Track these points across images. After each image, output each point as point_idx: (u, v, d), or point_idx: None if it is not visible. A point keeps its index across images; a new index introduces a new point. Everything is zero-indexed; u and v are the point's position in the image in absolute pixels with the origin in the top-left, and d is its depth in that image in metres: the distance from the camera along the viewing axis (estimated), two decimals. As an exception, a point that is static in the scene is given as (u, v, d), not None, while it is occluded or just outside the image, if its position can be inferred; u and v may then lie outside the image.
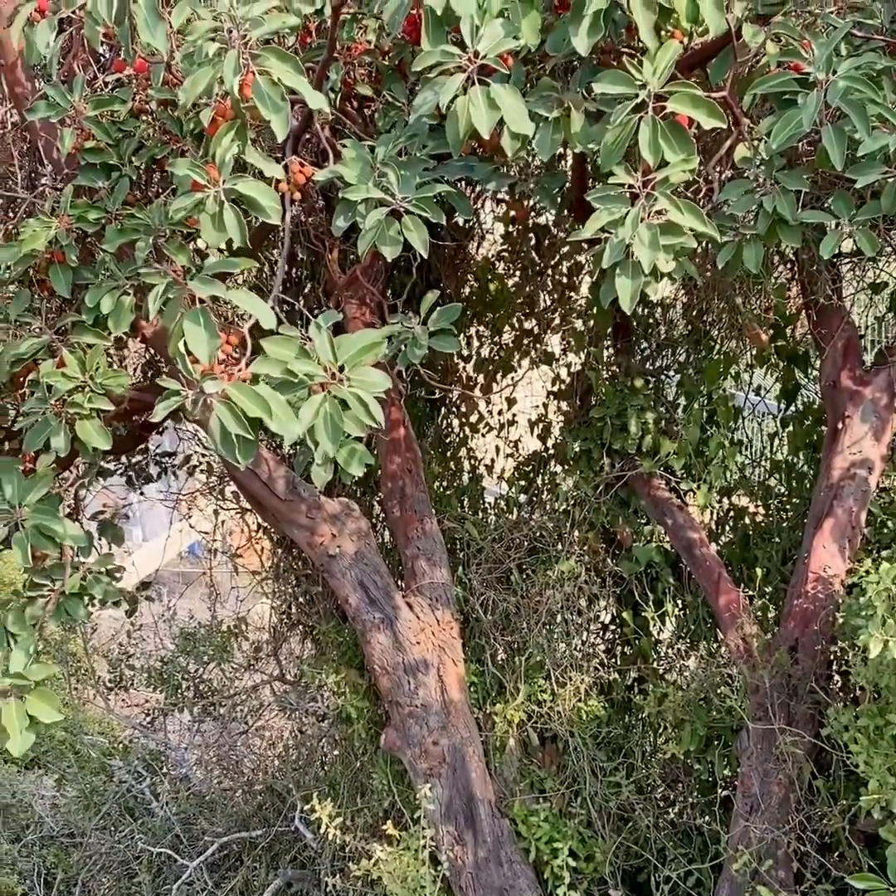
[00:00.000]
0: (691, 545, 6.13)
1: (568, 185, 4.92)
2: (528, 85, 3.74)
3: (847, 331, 6.29)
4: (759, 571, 6.08)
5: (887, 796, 4.43)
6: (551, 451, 7.29)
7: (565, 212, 5.99)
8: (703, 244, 3.84)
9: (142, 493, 8.21)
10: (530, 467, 7.42)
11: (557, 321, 7.37)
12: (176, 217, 3.42)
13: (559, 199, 4.57)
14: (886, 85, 3.43)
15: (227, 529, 9.07)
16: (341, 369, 3.47)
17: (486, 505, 7.44)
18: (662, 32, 3.43)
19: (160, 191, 4.63)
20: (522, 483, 7.39)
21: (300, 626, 8.10)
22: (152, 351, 5.44)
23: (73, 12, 3.65)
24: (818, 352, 6.43)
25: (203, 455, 8.22)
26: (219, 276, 3.50)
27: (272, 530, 7.83)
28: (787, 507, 6.83)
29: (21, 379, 4.50)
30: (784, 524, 6.71)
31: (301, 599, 7.96)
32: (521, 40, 3.42)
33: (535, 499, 7.11)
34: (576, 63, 3.71)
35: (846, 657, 5.21)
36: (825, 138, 3.40)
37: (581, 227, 3.54)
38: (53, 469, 4.46)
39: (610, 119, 3.44)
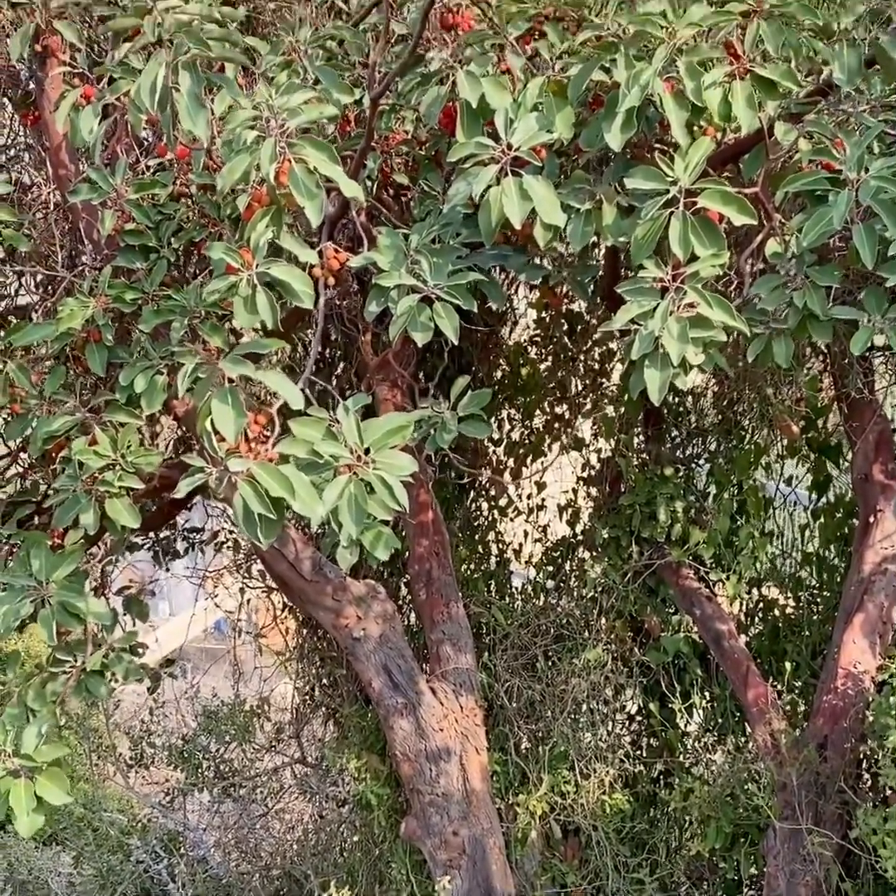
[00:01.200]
0: (720, 637, 6.05)
1: (600, 274, 4.96)
2: (562, 176, 3.79)
3: (879, 424, 6.27)
4: (788, 665, 6.00)
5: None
6: (580, 537, 7.26)
7: (598, 299, 6.03)
8: (734, 335, 3.84)
9: (168, 569, 8.22)
10: (558, 553, 7.38)
11: (588, 406, 7.38)
12: (210, 299, 3.46)
13: (592, 289, 4.59)
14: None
15: (253, 607, 9.06)
16: (367, 452, 3.48)
17: (513, 589, 7.40)
18: (695, 128, 3.47)
19: (197, 272, 4.70)
20: (550, 568, 7.35)
21: (323, 708, 8.04)
22: (184, 429, 5.48)
23: (117, 99, 3.74)
24: (850, 444, 6.40)
25: (231, 531, 8.24)
26: (250, 357, 3.54)
27: (297, 610, 7.82)
28: (818, 600, 6.75)
29: (53, 454, 4.53)
30: (814, 617, 6.63)
31: (324, 681, 7.91)
32: (555, 134, 3.47)
33: (562, 584, 7.06)
34: (608, 155, 3.75)
35: (876, 756, 5.12)
36: (856, 237, 3.41)
37: (613, 316, 3.56)
38: (82, 545, 4.48)
39: (641, 213, 3.47)
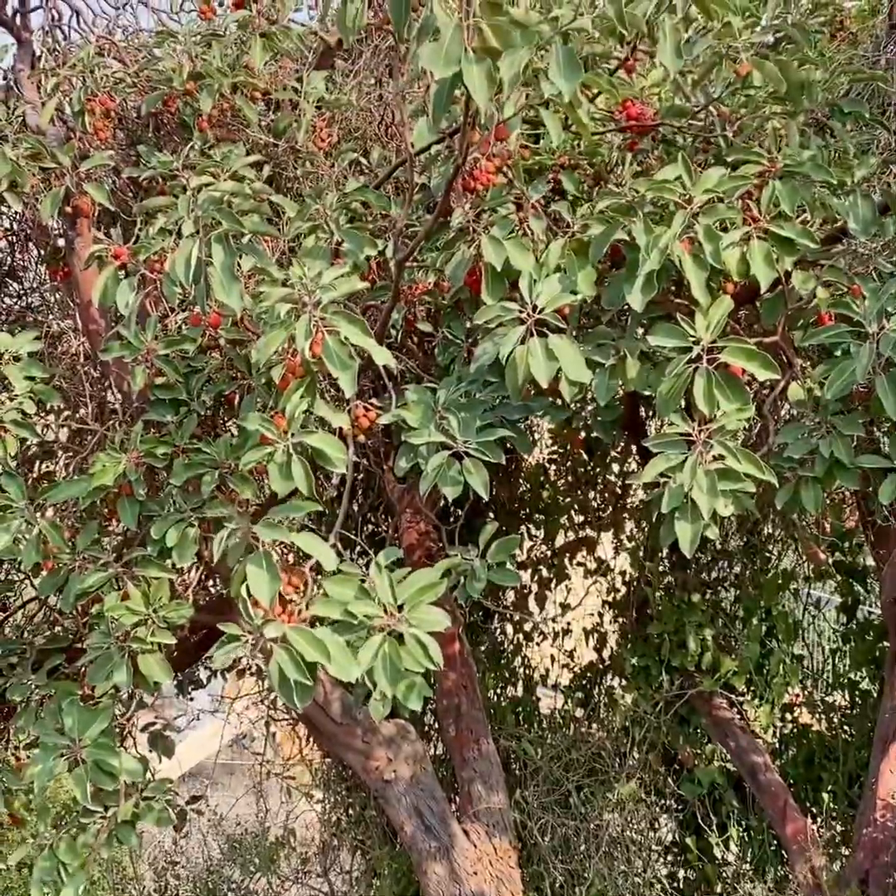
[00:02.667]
0: (756, 770, 5.97)
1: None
2: (584, 330, 3.86)
3: (906, 546, 6.27)
4: (825, 796, 5.91)
5: None
6: (608, 663, 7.21)
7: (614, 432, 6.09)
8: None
9: (191, 699, 8.18)
10: (586, 679, 7.33)
11: (611, 526, 7.40)
12: (245, 468, 3.52)
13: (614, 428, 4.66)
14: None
15: (272, 731, 8.98)
16: (400, 608, 3.49)
17: (542, 717, 7.33)
18: (713, 284, 3.54)
19: (225, 423, 4.77)
20: (579, 695, 7.29)
21: (349, 840, 7.90)
22: (217, 575, 5.51)
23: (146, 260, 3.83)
24: (877, 568, 6.38)
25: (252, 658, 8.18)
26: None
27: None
28: (852, 725, 6.66)
29: (85, 605, 4.56)
30: (849, 744, 6.54)
31: (351, 812, 7.80)
32: (579, 295, 3.55)
33: (592, 713, 7.00)
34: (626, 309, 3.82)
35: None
36: (879, 388, 3.45)
37: (633, 446, 3.60)
38: (112, 698, 4.47)
39: (664, 366, 3.53)
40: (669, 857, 6.80)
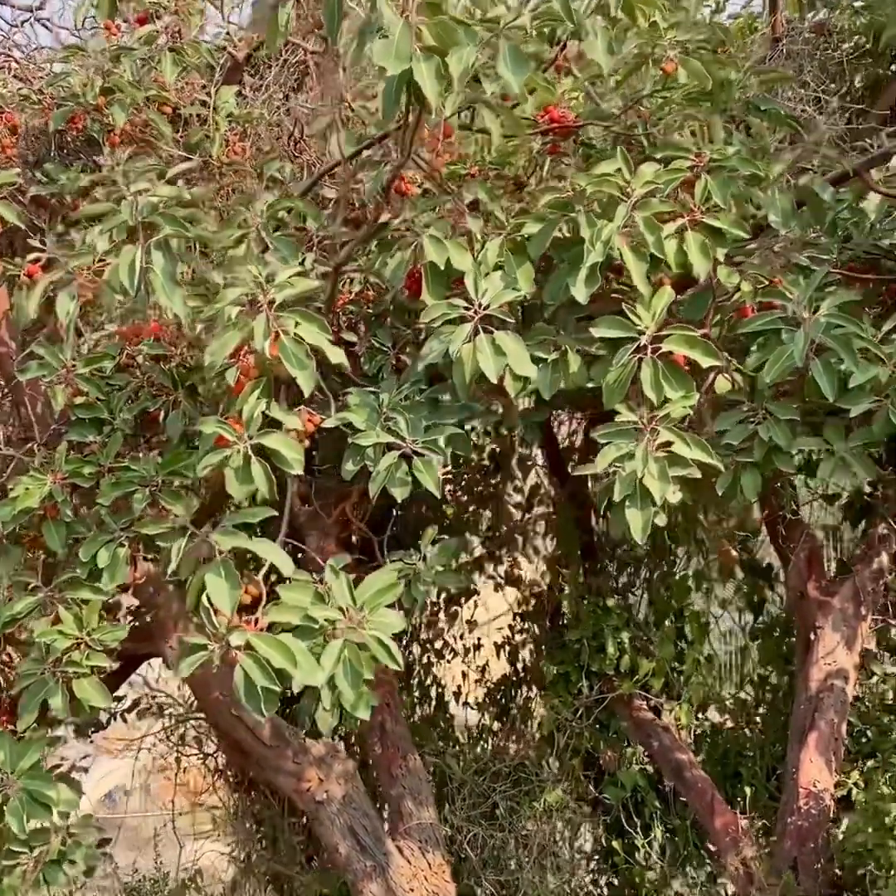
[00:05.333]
0: (681, 767, 6.06)
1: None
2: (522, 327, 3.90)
3: (808, 542, 6.46)
4: (747, 790, 6.03)
5: None
6: (522, 674, 7.24)
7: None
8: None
9: (91, 741, 7.93)
10: (500, 692, 7.35)
11: (520, 540, 7.45)
12: (203, 473, 3.44)
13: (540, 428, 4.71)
14: (865, 319, 3.66)
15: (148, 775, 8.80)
16: (359, 612, 3.46)
17: (458, 734, 7.31)
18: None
19: (148, 440, 4.67)
20: (493, 709, 7.30)
21: (258, 873, 7.72)
22: (139, 597, 5.36)
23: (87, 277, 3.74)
24: (783, 564, 6.57)
25: (153, 697, 8.01)
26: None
27: (230, 774, 7.62)
28: (764, 720, 6.82)
29: (12, 635, 4.39)
30: (764, 737, 6.69)
31: (262, 843, 7.63)
32: (521, 291, 3.59)
33: (511, 725, 7.01)
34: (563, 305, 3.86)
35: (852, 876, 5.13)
36: (815, 372, 3.58)
37: (545, 471, 3.66)
38: (41, 730, 4.31)
39: (607, 360, 3.60)
40: (597, 862, 6.84)
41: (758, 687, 6.90)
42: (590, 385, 3.70)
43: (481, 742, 7.03)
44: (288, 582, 3.55)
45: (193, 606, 3.39)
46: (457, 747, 6.85)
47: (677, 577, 6.71)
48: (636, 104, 3.96)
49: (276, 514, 3.38)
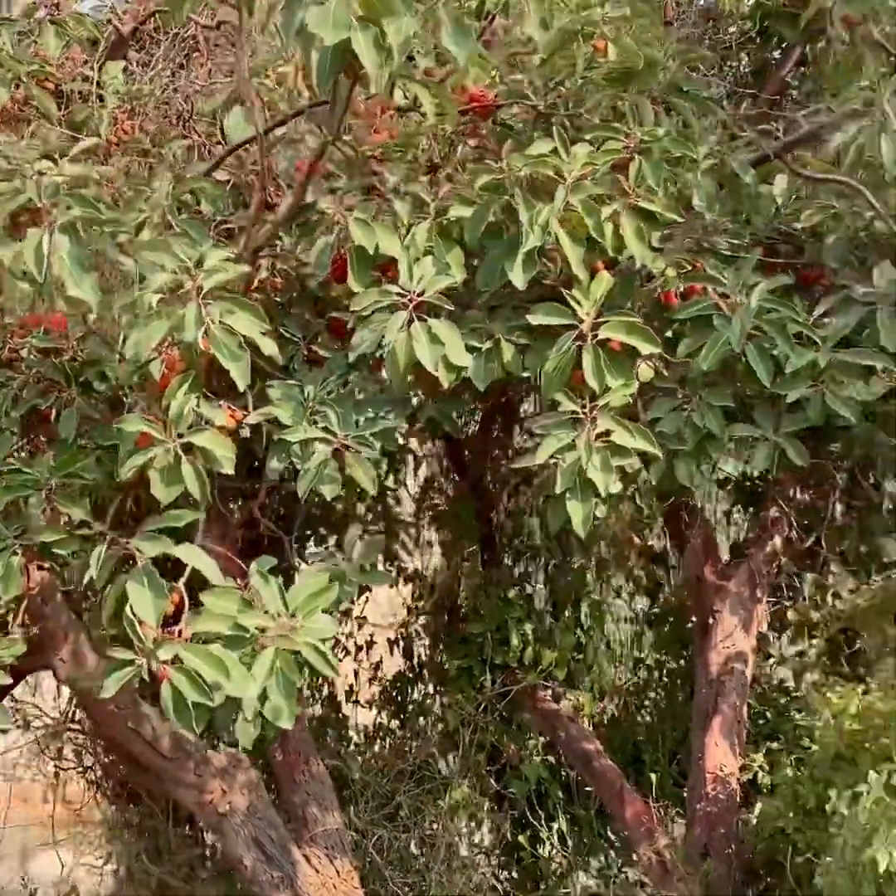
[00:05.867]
0: (589, 757, 6.01)
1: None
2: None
3: (703, 527, 6.50)
4: (652, 777, 6.01)
5: None
6: (419, 670, 7.10)
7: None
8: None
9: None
10: (396, 690, 7.20)
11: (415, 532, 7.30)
12: (126, 475, 3.18)
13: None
14: (798, 302, 3.62)
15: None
16: (292, 617, 3.28)
17: (352, 735, 7.14)
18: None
19: (39, 442, 4.37)
20: (390, 707, 7.15)
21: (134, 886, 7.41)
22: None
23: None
24: (678, 550, 6.60)
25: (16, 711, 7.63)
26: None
27: (107, 787, 7.32)
28: (663, 706, 6.84)
29: None
30: (663, 724, 6.70)
31: (142, 857, 7.33)
32: (456, 277, 3.44)
33: (409, 723, 6.87)
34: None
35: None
36: (751, 357, 3.53)
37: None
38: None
39: (543, 349, 3.48)
40: (502, 857, 6.75)
41: (654, 673, 6.91)
42: (525, 374, 3.57)
43: (379, 741, 6.86)
44: (210, 588, 3.33)
45: (111, 617, 3.15)
46: (354, 748, 6.67)
47: (575, 566, 6.66)
48: (559, 85, 3.84)
49: (201, 516, 3.15)
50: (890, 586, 4.32)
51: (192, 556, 3.18)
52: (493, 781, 6.44)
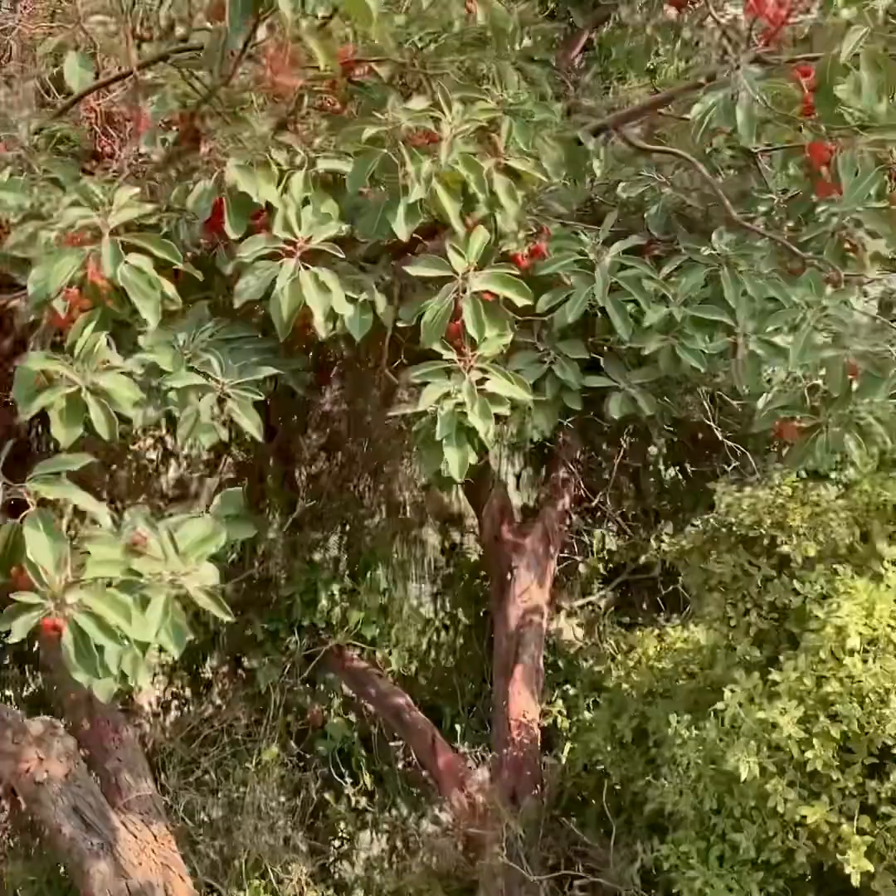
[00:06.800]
0: (400, 711, 6.16)
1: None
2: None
3: (499, 489, 6.76)
4: (457, 728, 6.24)
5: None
6: (215, 636, 7.04)
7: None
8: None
9: None
10: (190, 658, 7.11)
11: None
12: (30, 413, 3.02)
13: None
14: (649, 261, 3.88)
15: None
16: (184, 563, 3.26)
17: (144, 704, 7.01)
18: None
19: None
20: (184, 674, 7.07)
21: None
22: None
23: None
24: (475, 511, 6.83)
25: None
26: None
27: None
28: (460, 660, 7.07)
29: None
30: (460, 677, 6.93)
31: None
32: (344, 226, 3.49)
33: (208, 689, 6.82)
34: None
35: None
36: (610, 312, 3.75)
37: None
38: None
39: (418, 300, 3.59)
40: (307, 815, 6.81)
41: (451, 629, 7.14)
42: (400, 325, 3.66)
43: (176, 708, 6.79)
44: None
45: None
46: (152, 717, 6.57)
47: (379, 528, 6.79)
48: (418, 45, 3.93)
49: (94, 459, 3.07)
50: (708, 529, 4.68)
51: (86, 500, 3.10)
52: (296, 743, 6.49)
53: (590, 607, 6.95)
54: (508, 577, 6.53)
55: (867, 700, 3.72)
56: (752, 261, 3.84)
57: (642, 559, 6.62)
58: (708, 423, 6.79)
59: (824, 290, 3.69)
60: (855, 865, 3.62)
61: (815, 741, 3.77)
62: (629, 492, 7.18)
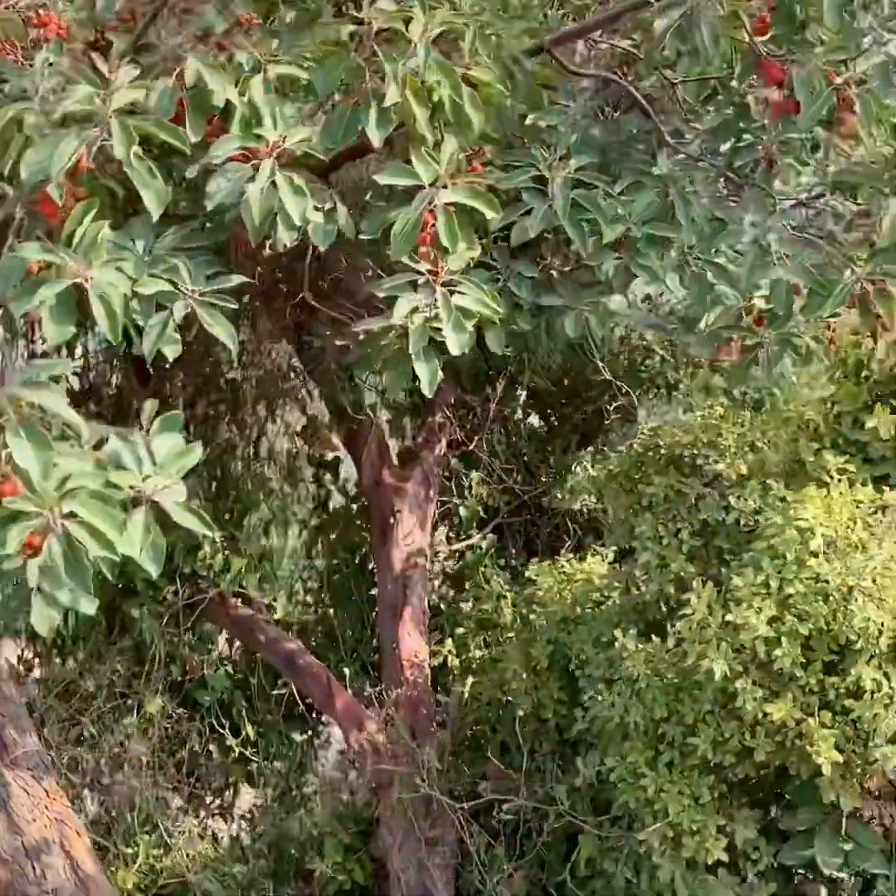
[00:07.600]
0: (293, 656, 6.05)
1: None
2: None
3: (377, 433, 6.70)
4: (346, 671, 6.17)
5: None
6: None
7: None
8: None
9: None
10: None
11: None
12: (24, 309, 2.76)
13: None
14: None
15: None
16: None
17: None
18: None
19: None
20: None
21: None
22: None
23: None
24: (353, 457, 6.75)
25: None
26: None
27: None
28: (338, 605, 7.00)
29: None
30: (339, 622, 6.87)
31: None
32: (316, 129, 3.36)
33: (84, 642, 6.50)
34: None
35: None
36: (568, 229, 3.74)
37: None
38: None
39: (382, 211, 3.51)
40: (192, 767, 6.62)
41: (327, 575, 7.06)
42: (364, 237, 3.57)
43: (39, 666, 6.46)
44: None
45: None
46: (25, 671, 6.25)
47: (259, 472, 6.64)
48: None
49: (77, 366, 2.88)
50: (632, 454, 4.75)
51: (60, 406, 2.89)
52: (177, 695, 6.30)
53: (469, 549, 6.98)
54: (391, 520, 6.50)
55: (831, 598, 3.89)
56: (696, 182, 3.91)
57: (545, 499, 6.71)
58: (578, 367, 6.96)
59: (767, 209, 3.80)
60: (826, 756, 3.79)
61: (783, 640, 3.90)
62: (502, 438, 7.25)
